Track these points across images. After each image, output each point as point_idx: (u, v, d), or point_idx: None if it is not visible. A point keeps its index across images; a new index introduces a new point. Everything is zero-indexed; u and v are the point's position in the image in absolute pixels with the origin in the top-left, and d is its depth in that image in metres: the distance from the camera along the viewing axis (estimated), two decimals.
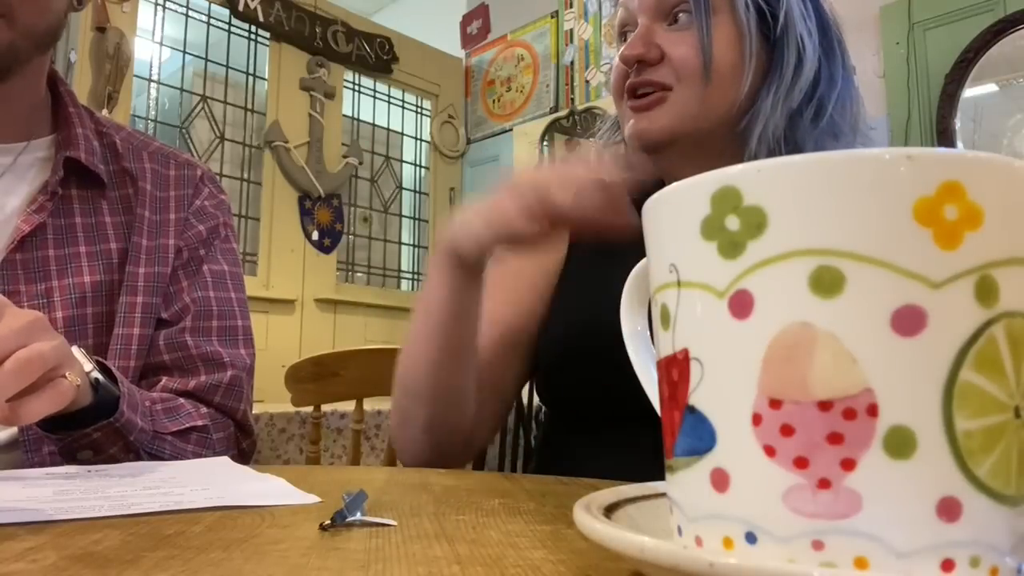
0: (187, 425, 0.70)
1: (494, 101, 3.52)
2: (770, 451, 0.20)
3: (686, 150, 0.69)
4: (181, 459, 0.68)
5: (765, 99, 0.68)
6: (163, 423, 0.68)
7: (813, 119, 0.69)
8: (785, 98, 0.68)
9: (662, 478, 0.26)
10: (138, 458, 0.64)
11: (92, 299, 0.71)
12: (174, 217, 0.79)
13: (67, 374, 0.49)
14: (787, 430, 0.20)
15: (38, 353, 0.44)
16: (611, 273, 0.62)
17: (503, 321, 0.73)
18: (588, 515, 0.24)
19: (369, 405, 1.47)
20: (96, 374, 0.59)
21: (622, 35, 0.73)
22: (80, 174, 0.74)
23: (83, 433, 0.59)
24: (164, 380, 0.73)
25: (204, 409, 0.73)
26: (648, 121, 0.68)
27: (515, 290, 0.75)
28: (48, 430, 0.60)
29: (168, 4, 2.77)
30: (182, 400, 0.72)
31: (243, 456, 0.78)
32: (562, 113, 3.18)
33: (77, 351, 0.60)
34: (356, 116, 3.37)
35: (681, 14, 0.68)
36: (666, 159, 0.70)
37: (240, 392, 0.77)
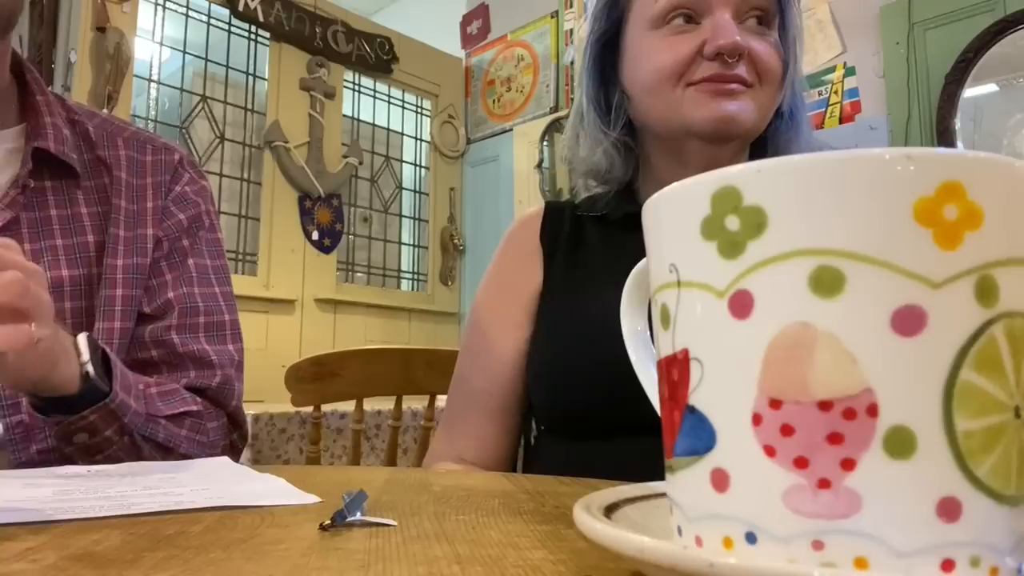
0: (181, 410, 0.69)
1: (494, 101, 3.52)
2: (770, 451, 0.20)
3: (742, 148, 0.73)
4: (175, 443, 0.68)
5: (800, 107, 0.74)
6: (157, 406, 0.67)
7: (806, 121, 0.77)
8: (803, 105, 0.75)
9: (662, 478, 0.26)
10: (132, 440, 0.64)
11: (70, 293, 0.70)
12: (151, 205, 0.76)
13: (33, 326, 0.48)
14: (787, 430, 0.20)
15: (24, 283, 0.45)
16: (592, 290, 0.64)
17: (498, 365, 0.75)
18: (588, 515, 0.24)
19: (369, 405, 1.47)
20: (89, 367, 0.59)
21: (667, 17, 0.71)
22: (52, 165, 0.72)
23: (80, 416, 0.59)
24: (155, 377, 0.72)
25: (198, 397, 0.73)
26: (739, 107, 0.68)
27: (501, 330, 0.76)
28: (44, 413, 0.59)
29: (168, 4, 2.77)
30: (177, 385, 0.71)
31: (233, 449, 0.77)
32: (562, 113, 3.18)
33: (83, 340, 0.59)
34: (356, 116, 3.37)
35: (759, 16, 0.70)
36: (726, 153, 0.72)
37: (231, 390, 0.76)
